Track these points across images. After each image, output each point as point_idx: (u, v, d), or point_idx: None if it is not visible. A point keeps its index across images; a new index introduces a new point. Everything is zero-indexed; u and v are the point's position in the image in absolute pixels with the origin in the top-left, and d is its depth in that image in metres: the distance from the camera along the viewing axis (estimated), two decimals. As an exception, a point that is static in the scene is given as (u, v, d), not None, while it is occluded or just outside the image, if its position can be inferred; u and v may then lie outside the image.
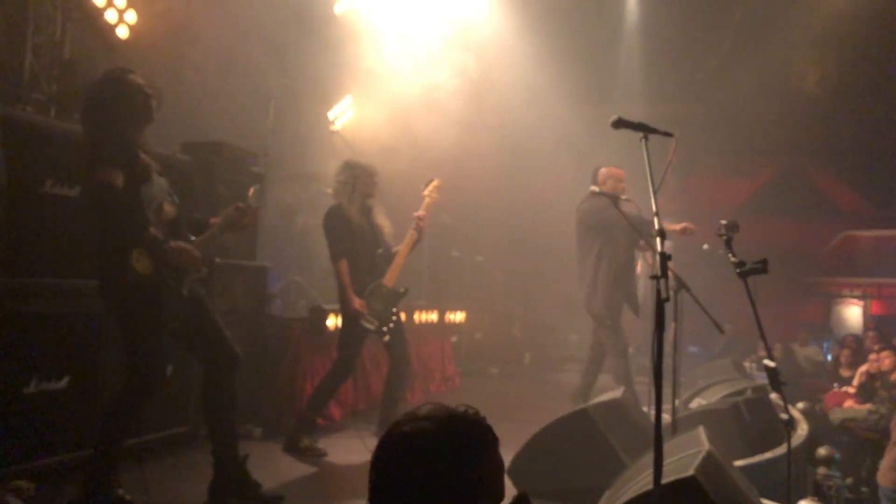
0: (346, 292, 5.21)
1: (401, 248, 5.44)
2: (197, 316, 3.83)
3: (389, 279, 5.40)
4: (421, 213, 5.47)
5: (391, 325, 5.37)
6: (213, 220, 3.99)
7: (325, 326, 6.02)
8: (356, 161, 5.52)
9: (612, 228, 6.11)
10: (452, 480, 1.61)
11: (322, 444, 5.29)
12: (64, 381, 4.01)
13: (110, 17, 5.72)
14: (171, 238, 3.66)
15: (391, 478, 1.64)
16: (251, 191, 4.14)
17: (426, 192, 5.57)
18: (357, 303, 5.20)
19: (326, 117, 8.56)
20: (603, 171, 6.32)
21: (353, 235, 5.27)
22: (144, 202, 3.61)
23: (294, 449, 5.13)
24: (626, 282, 6.34)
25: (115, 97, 3.62)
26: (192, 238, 3.83)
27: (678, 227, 5.97)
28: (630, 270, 6.47)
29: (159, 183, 3.75)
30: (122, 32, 5.79)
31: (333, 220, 5.31)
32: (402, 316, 5.67)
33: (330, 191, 5.49)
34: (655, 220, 2.73)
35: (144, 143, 3.76)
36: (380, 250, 5.43)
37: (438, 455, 1.62)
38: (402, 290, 5.45)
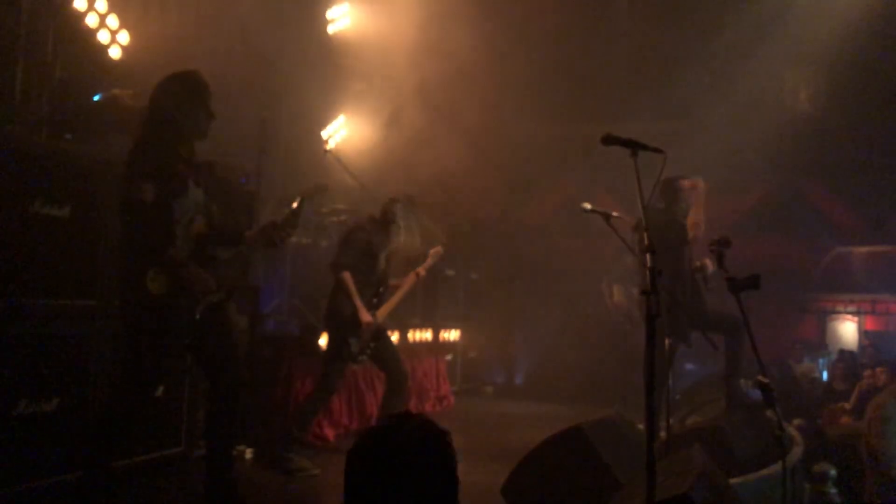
0: (355, 301, 5.19)
1: (400, 289, 5.58)
2: (212, 335, 3.79)
3: (380, 315, 5.45)
4: (421, 270, 5.66)
5: (363, 358, 5.38)
6: (247, 234, 3.97)
7: (318, 346, 5.98)
8: (408, 212, 5.63)
9: None
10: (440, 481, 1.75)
11: (314, 463, 5.24)
12: (53, 403, 3.97)
13: (103, 37, 5.71)
14: (197, 254, 3.64)
15: (377, 486, 1.71)
16: (294, 203, 3.97)
17: (431, 253, 5.77)
18: (367, 316, 5.21)
19: (320, 137, 8.56)
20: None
21: (370, 262, 5.32)
22: (176, 216, 3.58)
23: (285, 469, 5.06)
24: None
25: (175, 100, 3.62)
26: (220, 254, 3.80)
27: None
28: None
29: (195, 196, 3.71)
30: (115, 53, 5.78)
31: (358, 234, 5.35)
32: (396, 335, 5.67)
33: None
34: (645, 236, 2.73)
35: (190, 151, 3.73)
36: (381, 289, 5.51)
37: (427, 457, 1.74)
38: (384, 328, 5.53)
